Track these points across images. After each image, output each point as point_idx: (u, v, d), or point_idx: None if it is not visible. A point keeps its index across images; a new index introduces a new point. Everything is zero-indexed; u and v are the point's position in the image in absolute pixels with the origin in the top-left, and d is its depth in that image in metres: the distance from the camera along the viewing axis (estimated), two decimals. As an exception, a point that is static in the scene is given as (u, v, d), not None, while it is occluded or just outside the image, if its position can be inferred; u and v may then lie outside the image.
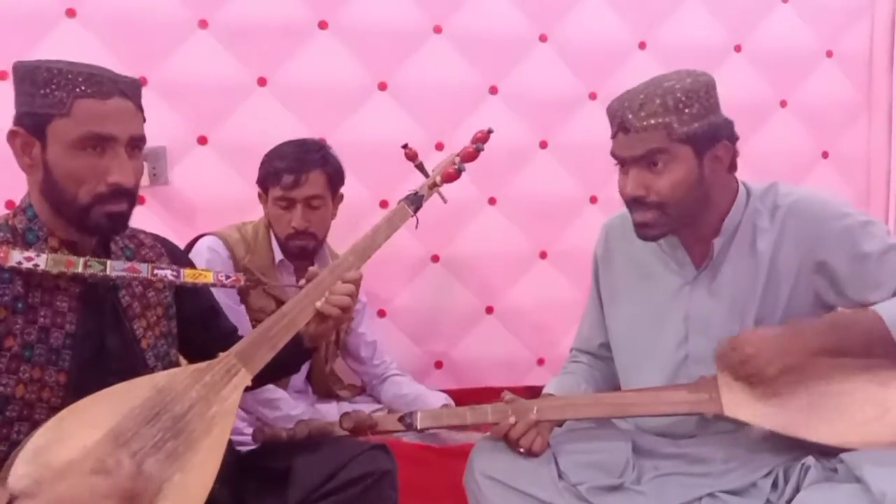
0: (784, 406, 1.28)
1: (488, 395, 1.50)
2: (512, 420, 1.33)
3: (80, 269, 1.15)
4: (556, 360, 1.71)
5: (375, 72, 2.26)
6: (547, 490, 1.28)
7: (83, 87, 1.14)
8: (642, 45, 2.46)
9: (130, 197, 1.19)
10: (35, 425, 1.10)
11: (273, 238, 1.92)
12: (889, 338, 1.25)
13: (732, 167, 1.39)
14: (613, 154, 1.37)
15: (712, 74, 1.36)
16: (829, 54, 2.65)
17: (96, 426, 1.07)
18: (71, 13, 2.03)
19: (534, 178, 2.41)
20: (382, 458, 1.31)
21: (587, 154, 2.41)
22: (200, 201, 2.15)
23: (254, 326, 1.80)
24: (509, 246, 2.41)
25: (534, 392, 1.55)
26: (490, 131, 1.41)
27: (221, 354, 1.19)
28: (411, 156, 1.39)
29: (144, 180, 2.07)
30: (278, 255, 1.91)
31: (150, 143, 2.02)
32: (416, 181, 1.46)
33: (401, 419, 1.37)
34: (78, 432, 1.05)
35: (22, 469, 1.01)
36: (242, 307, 1.85)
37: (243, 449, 1.46)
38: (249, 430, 1.56)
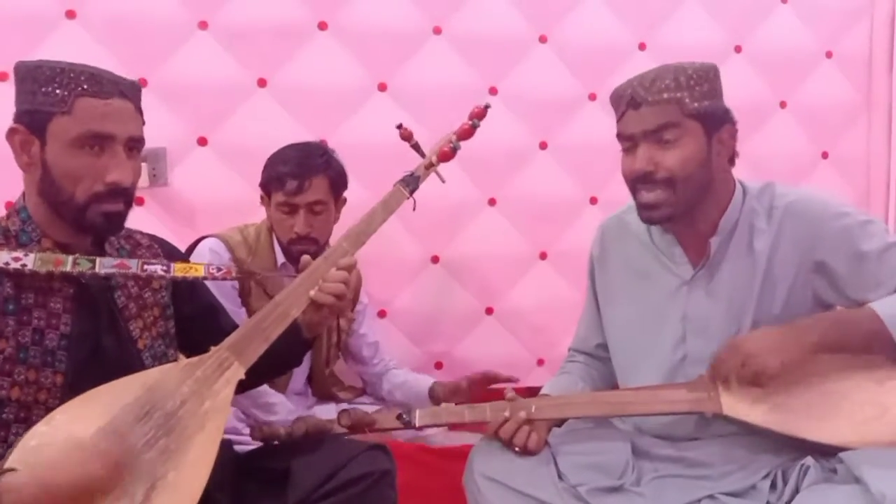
0: (783, 405, 1.28)
1: (487, 395, 1.50)
2: (506, 414, 1.33)
3: (68, 268, 1.15)
4: (555, 361, 1.70)
5: (375, 73, 2.26)
6: (546, 491, 1.28)
7: (85, 86, 1.15)
8: (642, 46, 2.46)
9: (127, 197, 1.20)
10: (32, 427, 1.09)
11: (275, 241, 1.92)
12: (887, 335, 1.25)
13: (732, 158, 1.39)
14: (621, 134, 1.36)
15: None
16: (829, 55, 2.65)
17: (87, 425, 1.06)
18: (71, 14, 2.03)
19: (533, 179, 2.41)
20: (382, 458, 1.30)
21: (587, 155, 2.41)
22: (200, 203, 2.15)
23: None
24: (509, 247, 2.41)
25: (534, 393, 1.55)
26: (487, 106, 1.38)
27: (213, 348, 1.18)
28: (406, 136, 1.36)
29: (144, 181, 2.07)
30: (280, 258, 1.91)
31: (150, 144, 2.03)
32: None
33: (399, 417, 1.37)
34: (68, 432, 1.05)
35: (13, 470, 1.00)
36: (243, 310, 1.85)
37: (242, 450, 1.46)
38: (248, 432, 1.56)
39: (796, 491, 1.22)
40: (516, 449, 1.32)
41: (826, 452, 1.25)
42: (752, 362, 1.26)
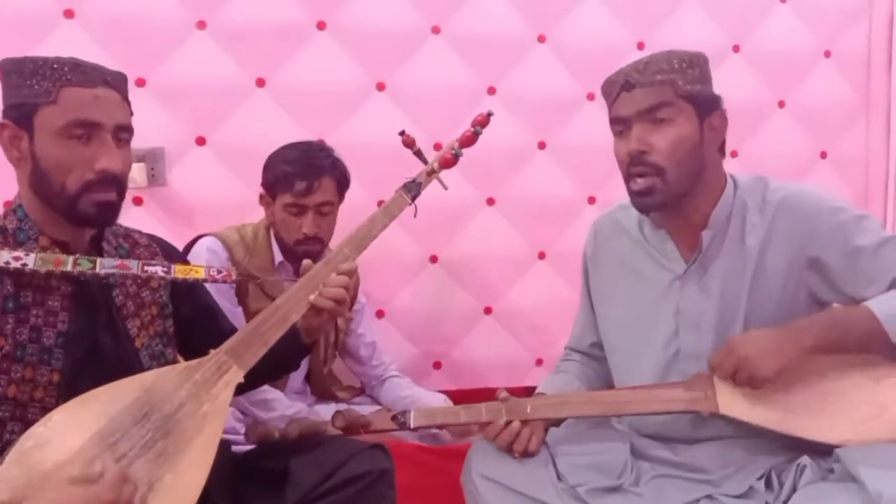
0: (780, 404, 1.27)
1: (487, 395, 1.49)
2: (504, 420, 1.32)
3: (69, 268, 1.15)
4: (554, 361, 1.70)
5: (374, 73, 2.26)
6: (546, 491, 1.27)
7: (69, 77, 1.15)
8: (640, 46, 2.46)
9: (119, 186, 1.19)
10: (28, 425, 1.09)
11: (273, 240, 1.92)
12: (884, 334, 1.24)
13: (723, 149, 1.39)
14: (614, 118, 1.36)
15: (711, 75, 1.37)
16: (828, 55, 2.65)
17: (84, 428, 1.05)
18: (69, 14, 2.03)
19: (532, 178, 2.41)
20: (380, 457, 1.30)
21: (585, 155, 2.41)
22: (199, 202, 2.15)
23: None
24: (508, 247, 2.41)
25: (532, 393, 1.55)
26: (490, 114, 1.39)
27: (212, 351, 1.17)
28: (409, 142, 1.36)
29: (142, 181, 2.07)
30: (278, 257, 1.91)
31: (149, 143, 2.06)
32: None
33: (394, 418, 1.37)
34: (65, 434, 1.04)
35: (10, 472, 1.00)
36: (240, 309, 1.85)
37: (240, 450, 1.45)
38: (244, 422, 1.56)
39: (793, 490, 1.21)
40: (516, 455, 1.32)
41: (823, 452, 1.24)
42: (747, 365, 1.25)
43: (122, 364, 1.20)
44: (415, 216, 1.38)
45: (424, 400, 2.04)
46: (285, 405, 1.88)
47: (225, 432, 1.22)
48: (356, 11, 2.24)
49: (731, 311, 1.37)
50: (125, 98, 1.22)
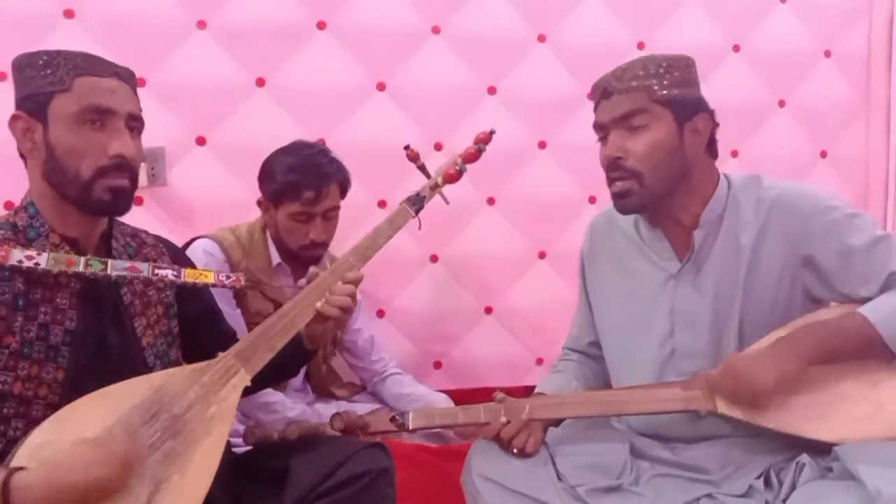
0: (778, 404, 1.27)
1: (487, 395, 1.49)
2: (503, 420, 1.33)
3: (81, 269, 1.16)
4: (554, 360, 1.71)
5: (374, 72, 2.26)
6: (545, 492, 1.27)
7: (82, 66, 1.18)
8: (640, 46, 2.46)
9: (132, 173, 1.21)
10: (31, 422, 1.11)
11: (269, 241, 1.91)
12: (879, 339, 1.24)
13: (713, 150, 1.40)
14: (595, 125, 1.39)
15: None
16: (828, 54, 2.65)
17: (93, 426, 1.06)
18: (69, 14, 2.03)
19: (532, 178, 2.41)
20: (380, 456, 1.30)
21: (586, 154, 2.37)
22: (199, 202, 2.15)
23: (251, 329, 1.80)
24: (508, 246, 2.41)
25: (532, 392, 1.55)
26: (492, 132, 1.42)
27: (220, 354, 1.19)
28: (413, 157, 1.39)
29: (143, 181, 2.07)
30: (275, 259, 1.90)
31: (149, 143, 2.03)
32: (414, 181, 1.46)
33: (392, 420, 1.37)
34: (75, 432, 1.05)
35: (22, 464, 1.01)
36: (238, 311, 1.84)
37: (239, 450, 1.45)
38: (246, 424, 1.56)
39: (793, 488, 1.21)
40: (514, 451, 1.32)
41: (822, 450, 1.25)
42: (746, 381, 1.25)
43: (128, 362, 1.21)
44: (419, 228, 1.41)
45: (426, 397, 2.04)
46: (287, 407, 1.87)
47: (226, 433, 1.22)
48: (356, 11, 2.24)
49: (726, 310, 1.37)
50: (135, 92, 1.25)
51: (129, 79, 1.24)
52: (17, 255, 1.13)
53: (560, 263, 2.43)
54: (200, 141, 2.15)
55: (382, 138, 2.25)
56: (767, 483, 1.27)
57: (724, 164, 1.45)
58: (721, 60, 2.52)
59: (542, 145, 2.42)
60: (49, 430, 1.05)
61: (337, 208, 1.86)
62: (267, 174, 1.86)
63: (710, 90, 1.45)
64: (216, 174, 2.16)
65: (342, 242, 1.95)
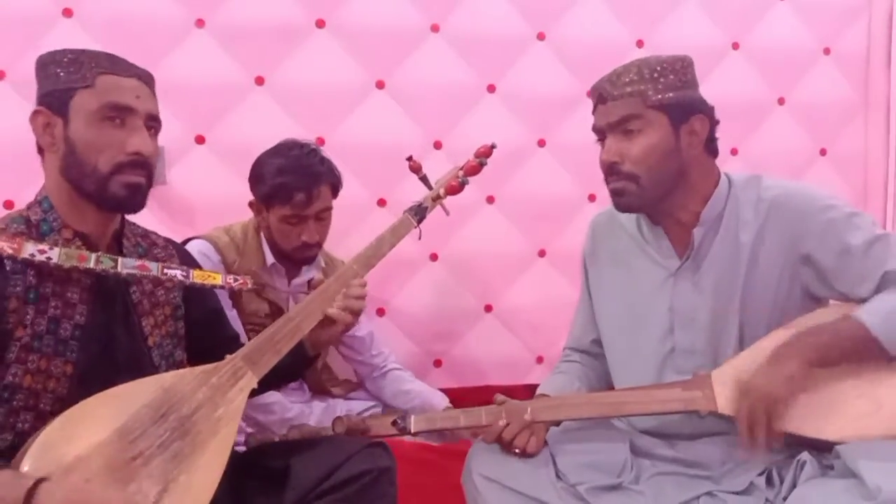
0: (783, 416, 1.27)
1: (487, 393, 1.50)
2: (503, 422, 1.33)
3: (91, 265, 1.17)
4: (554, 359, 1.71)
5: (373, 71, 2.26)
6: (546, 491, 1.28)
7: (105, 65, 1.21)
8: (640, 44, 2.47)
9: (148, 170, 1.23)
10: (40, 415, 1.13)
11: (263, 241, 1.90)
12: (876, 342, 1.25)
13: (712, 149, 1.40)
14: (593, 128, 1.40)
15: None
16: (827, 52, 2.65)
17: (104, 424, 1.08)
18: (67, 13, 2.03)
19: (532, 177, 2.41)
20: (381, 455, 1.31)
21: (585, 153, 2.36)
22: (198, 201, 2.15)
23: (246, 329, 1.80)
24: (508, 245, 2.41)
25: (533, 391, 1.55)
26: (493, 146, 1.44)
27: (228, 357, 1.20)
28: (415, 168, 1.42)
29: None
30: (269, 259, 1.90)
31: (148, 142, 2.06)
32: (414, 181, 1.47)
33: (394, 423, 1.37)
34: (86, 429, 1.07)
35: (31, 464, 1.02)
36: (234, 311, 1.84)
37: (241, 448, 1.46)
38: (248, 431, 1.56)
39: (793, 486, 1.22)
40: (516, 451, 1.32)
41: (822, 448, 1.25)
42: (762, 397, 1.24)
43: (134, 361, 1.22)
44: (419, 239, 1.42)
45: (425, 395, 2.04)
46: (285, 408, 1.87)
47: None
48: (355, 9, 2.24)
49: (725, 308, 1.37)
50: (154, 94, 1.27)
51: (149, 81, 1.27)
52: (30, 249, 1.14)
53: (560, 262, 2.43)
54: (200, 140, 2.15)
55: (382, 137, 2.24)
56: (769, 481, 1.27)
57: (724, 162, 1.45)
58: (720, 58, 2.52)
59: (541, 144, 2.42)
60: (60, 428, 1.06)
61: (329, 209, 1.85)
62: (257, 176, 1.85)
63: (710, 88, 1.46)
64: (216, 173, 2.16)
65: (342, 241, 1.95)
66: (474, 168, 1.43)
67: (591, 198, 2.46)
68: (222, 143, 2.16)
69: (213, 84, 2.14)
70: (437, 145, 2.31)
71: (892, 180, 2.69)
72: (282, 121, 2.18)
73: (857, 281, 1.31)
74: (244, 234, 1.90)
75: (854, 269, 1.31)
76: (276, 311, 1.86)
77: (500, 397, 1.37)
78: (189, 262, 1.40)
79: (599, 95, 1.38)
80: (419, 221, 1.40)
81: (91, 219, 1.23)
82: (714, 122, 1.40)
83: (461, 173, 1.42)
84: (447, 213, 1.44)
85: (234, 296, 1.85)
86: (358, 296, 1.31)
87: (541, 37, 2.39)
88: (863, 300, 1.30)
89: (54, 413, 1.11)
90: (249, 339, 1.30)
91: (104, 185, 1.19)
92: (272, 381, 1.30)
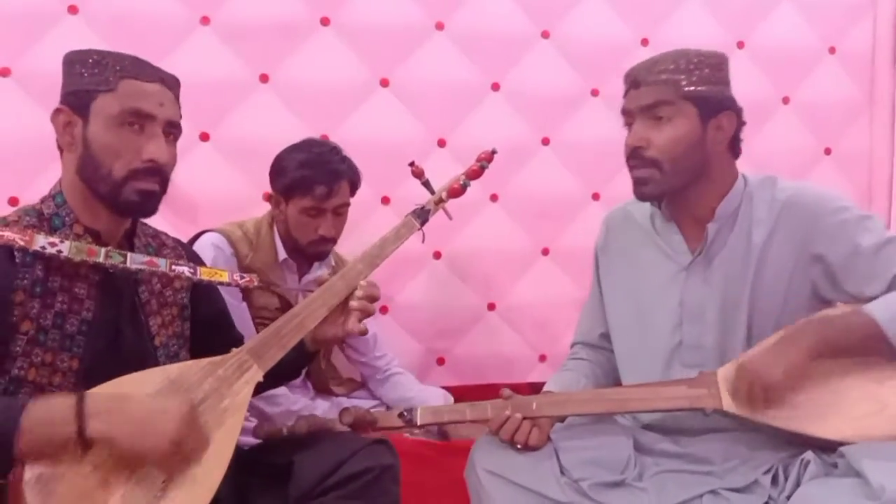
0: (783, 401, 1.28)
1: (490, 391, 1.50)
2: (507, 413, 1.33)
3: (101, 259, 1.18)
4: (557, 357, 1.71)
5: (377, 69, 2.26)
6: (549, 486, 1.28)
7: (129, 69, 1.21)
8: (644, 43, 2.46)
9: (163, 178, 1.23)
10: None
11: (277, 237, 1.92)
12: (884, 337, 1.25)
13: (735, 148, 1.42)
14: (622, 111, 1.42)
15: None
16: (832, 51, 2.65)
17: None
18: (73, 10, 2.03)
19: (536, 175, 2.41)
20: (384, 452, 1.31)
21: (589, 151, 2.41)
22: (202, 198, 2.15)
23: (255, 324, 1.82)
24: (511, 243, 2.41)
25: (536, 389, 1.55)
26: (494, 152, 1.46)
27: (234, 350, 1.21)
28: (418, 173, 1.44)
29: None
30: (282, 255, 1.91)
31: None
32: (417, 179, 1.47)
33: (400, 415, 1.37)
34: None
35: None
36: (244, 304, 1.85)
37: (244, 444, 1.46)
38: (249, 425, 1.56)
39: (797, 485, 1.22)
40: (518, 446, 1.33)
41: (826, 448, 1.25)
42: (758, 378, 1.25)
43: (140, 359, 1.22)
44: (422, 241, 1.44)
45: (430, 402, 2.05)
46: (290, 401, 1.89)
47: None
48: (359, 7, 2.24)
49: (734, 305, 1.38)
50: (177, 99, 1.27)
51: (174, 86, 1.27)
52: (41, 241, 1.15)
53: (563, 260, 2.43)
54: (204, 137, 2.15)
55: (385, 135, 2.25)
56: (774, 480, 1.28)
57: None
58: (725, 57, 2.51)
59: (545, 142, 2.42)
60: None
61: (347, 205, 1.88)
62: (279, 169, 1.87)
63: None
64: (219, 170, 2.16)
65: (345, 238, 1.95)
66: (476, 172, 1.45)
67: (595, 196, 2.46)
68: (226, 140, 2.16)
69: (217, 81, 2.14)
70: (441, 143, 2.31)
71: (898, 179, 2.69)
72: (286, 118, 2.19)
73: (867, 281, 1.32)
74: (257, 230, 1.92)
75: (863, 270, 1.32)
76: (286, 306, 1.87)
77: (506, 391, 1.38)
78: (198, 263, 1.41)
79: (634, 80, 1.39)
80: (422, 224, 1.42)
81: (103, 217, 1.23)
82: (741, 123, 1.42)
83: (463, 178, 1.45)
84: (450, 217, 1.46)
85: (245, 290, 1.86)
86: (374, 297, 1.33)
87: (545, 35, 2.39)
88: (871, 301, 1.30)
89: None
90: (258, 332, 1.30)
91: (118, 190, 1.19)
92: (274, 377, 1.30)
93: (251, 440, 1.52)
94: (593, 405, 1.38)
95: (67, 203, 1.22)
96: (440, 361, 2.40)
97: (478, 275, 2.39)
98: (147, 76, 1.22)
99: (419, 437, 1.91)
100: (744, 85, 2.47)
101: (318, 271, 1.94)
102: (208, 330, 1.38)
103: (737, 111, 1.41)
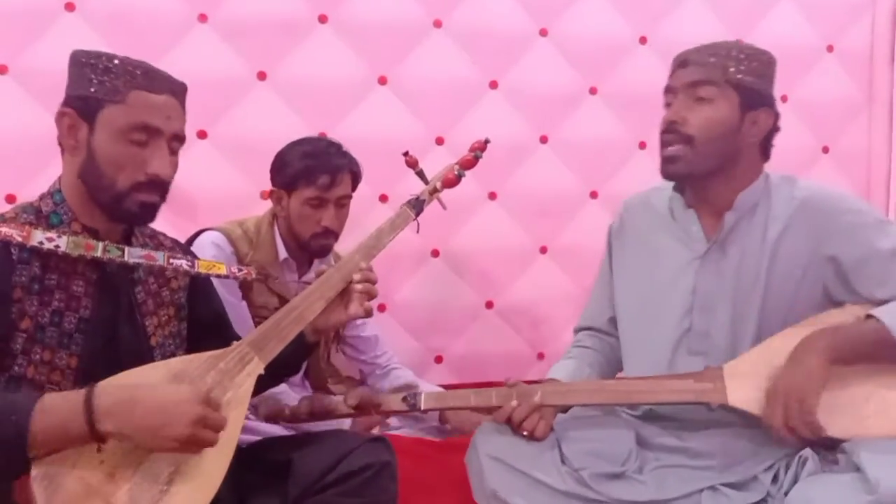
0: (817, 410, 1.27)
1: (490, 384, 1.50)
2: (514, 403, 1.33)
3: (98, 253, 1.18)
4: (556, 355, 1.70)
5: (375, 66, 2.26)
6: (550, 474, 1.29)
7: (140, 81, 1.20)
8: (643, 40, 2.46)
9: (164, 190, 1.23)
10: None
11: (277, 235, 1.91)
12: (893, 342, 1.25)
13: (766, 149, 1.44)
14: (665, 89, 1.44)
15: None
16: (830, 49, 2.65)
17: None
18: (70, 7, 2.03)
19: (534, 173, 2.41)
20: (382, 449, 1.32)
21: (588, 149, 2.41)
22: (200, 196, 2.15)
23: (256, 322, 1.81)
24: (510, 241, 2.41)
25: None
26: (487, 141, 1.46)
27: (235, 343, 1.21)
28: (412, 163, 1.44)
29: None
30: (282, 254, 1.91)
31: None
32: (416, 178, 1.47)
33: (404, 399, 1.38)
34: None
35: None
36: (244, 303, 1.85)
37: (244, 441, 1.46)
38: (249, 424, 1.56)
39: (795, 481, 1.22)
40: (524, 433, 1.33)
41: (828, 447, 1.25)
42: (793, 394, 1.24)
43: (137, 359, 1.21)
44: (417, 232, 1.44)
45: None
46: (290, 398, 1.88)
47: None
48: (357, 5, 2.23)
49: (746, 297, 1.39)
50: (183, 107, 1.27)
51: (181, 94, 1.27)
52: (39, 237, 1.14)
53: (562, 258, 2.43)
54: (202, 134, 2.15)
55: (384, 132, 2.24)
56: (775, 478, 1.28)
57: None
58: (723, 55, 2.51)
59: (543, 140, 2.42)
60: None
61: (349, 197, 1.88)
62: (282, 162, 1.87)
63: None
64: (217, 168, 2.16)
65: (344, 237, 1.95)
66: (469, 161, 1.45)
67: (594, 195, 2.46)
68: (225, 138, 2.16)
69: (215, 79, 2.13)
70: (440, 141, 2.31)
71: (895, 178, 2.69)
72: (284, 116, 2.18)
73: (879, 285, 1.32)
74: (257, 229, 1.91)
75: (877, 273, 1.33)
76: (285, 305, 1.86)
77: (511, 380, 1.38)
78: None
79: (682, 60, 1.42)
80: (417, 214, 1.42)
81: (101, 218, 1.23)
82: (777, 126, 1.44)
83: (457, 167, 1.45)
84: (444, 207, 1.45)
85: (244, 288, 1.85)
86: (373, 280, 1.33)
87: (543, 33, 2.39)
88: (881, 304, 1.31)
89: None
90: None
91: (119, 201, 1.19)
92: (275, 372, 1.30)
93: (250, 438, 1.52)
94: (598, 395, 1.38)
95: (66, 201, 1.21)
96: (438, 359, 2.40)
97: (476, 273, 2.39)
98: (157, 87, 1.21)
99: (417, 435, 1.92)
100: (742, 83, 2.51)
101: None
102: (205, 331, 1.38)
103: (775, 112, 1.42)
